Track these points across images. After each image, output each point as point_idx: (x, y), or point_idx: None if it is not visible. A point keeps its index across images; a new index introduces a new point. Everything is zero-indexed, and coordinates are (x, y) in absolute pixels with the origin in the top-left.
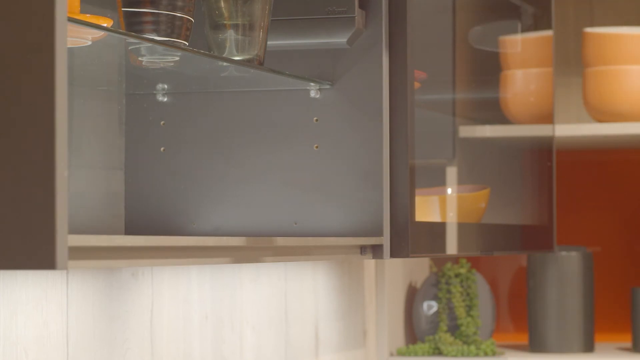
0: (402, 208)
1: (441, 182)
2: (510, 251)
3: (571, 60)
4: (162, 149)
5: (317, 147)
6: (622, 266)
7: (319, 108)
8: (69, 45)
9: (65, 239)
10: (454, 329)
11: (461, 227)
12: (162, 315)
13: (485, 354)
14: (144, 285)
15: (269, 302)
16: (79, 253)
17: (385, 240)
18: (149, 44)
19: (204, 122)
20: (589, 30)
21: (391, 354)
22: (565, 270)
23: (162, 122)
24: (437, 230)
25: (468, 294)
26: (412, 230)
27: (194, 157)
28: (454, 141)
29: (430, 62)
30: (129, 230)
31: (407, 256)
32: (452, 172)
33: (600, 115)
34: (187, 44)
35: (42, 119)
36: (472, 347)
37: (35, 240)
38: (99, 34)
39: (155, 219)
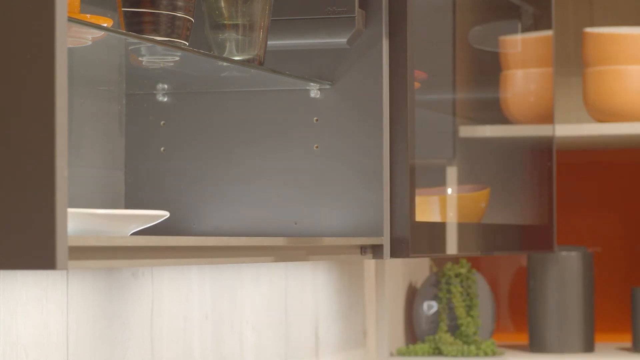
0: (402, 208)
1: (441, 182)
2: (510, 251)
3: (571, 60)
4: (162, 149)
5: (317, 147)
6: (622, 266)
7: (319, 108)
8: (69, 45)
9: (65, 239)
10: (454, 329)
11: (461, 227)
12: (162, 315)
13: (485, 354)
14: (144, 285)
15: (269, 302)
16: (79, 253)
17: (385, 240)
18: (149, 44)
19: (204, 122)
20: (589, 30)
21: (391, 354)
22: (565, 270)
23: (162, 122)
24: (437, 230)
25: (468, 294)
26: (412, 230)
27: (194, 157)
28: (454, 141)
29: (430, 62)
30: None
31: (407, 256)
32: (452, 172)
33: (600, 115)
34: (187, 44)
35: (42, 118)
36: (472, 347)
37: (35, 240)
38: (99, 34)
39: None
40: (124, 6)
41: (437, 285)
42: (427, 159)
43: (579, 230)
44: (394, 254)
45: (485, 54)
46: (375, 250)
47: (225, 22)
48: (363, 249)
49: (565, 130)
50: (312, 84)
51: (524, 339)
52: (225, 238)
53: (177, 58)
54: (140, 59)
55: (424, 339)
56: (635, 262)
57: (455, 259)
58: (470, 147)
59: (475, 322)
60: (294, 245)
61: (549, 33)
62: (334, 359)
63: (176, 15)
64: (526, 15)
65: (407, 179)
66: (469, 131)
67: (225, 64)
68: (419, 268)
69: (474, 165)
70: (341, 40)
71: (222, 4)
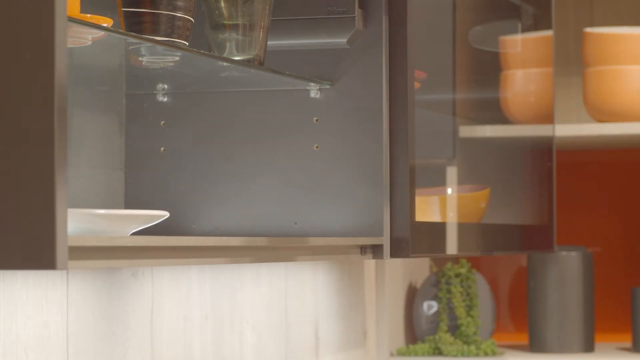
0: (402, 208)
1: (441, 182)
2: (510, 251)
3: (571, 60)
4: (162, 149)
5: (317, 147)
6: (622, 266)
7: (319, 108)
8: (69, 45)
9: (65, 239)
10: (454, 329)
11: (461, 227)
12: (162, 315)
13: (485, 354)
14: (144, 285)
15: (269, 302)
16: (79, 253)
17: (385, 240)
18: (149, 44)
19: (204, 122)
20: (589, 30)
21: (391, 354)
22: (565, 270)
23: (162, 122)
24: (437, 230)
25: (468, 294)
26: (412, 230)
27: (194, 157)
28: (454, 141)
29: (430, 62)
30: None
31: (407, 256)
32: (452, 172)
33: (600, 115)
34: (187, 44)
35: (42, 119)
36: (472, 347)
37: (35, 240)
38: (99, 34)
39: None
40: (124, 6)
41: (437, 285)
42: (427, 159)
43: (579, 230)
44: (394, 254)
45: (485, 54)
46: (375, 250)
47: (225, 22)
48: (363, 249)
49: (565, 130)
50: (312, 84)
51: (524, 339)
52: (225, 238)
53: (177, 58)
54: (140, 59)
55: (424, 339)
56: (635, 262)
57: (455, 259)
58: (470, 147)
59: (475, 322)
60: (294, 245)
61: (549, 33)
62: (334, 359)
63: (176, 15)
64: (526, 15)
65: (407, 179)
66: (469, 131)
67: (225, 64)
68: (419, 268)
69: (474, 165)
70: (341, 40)
71: (222, 4)
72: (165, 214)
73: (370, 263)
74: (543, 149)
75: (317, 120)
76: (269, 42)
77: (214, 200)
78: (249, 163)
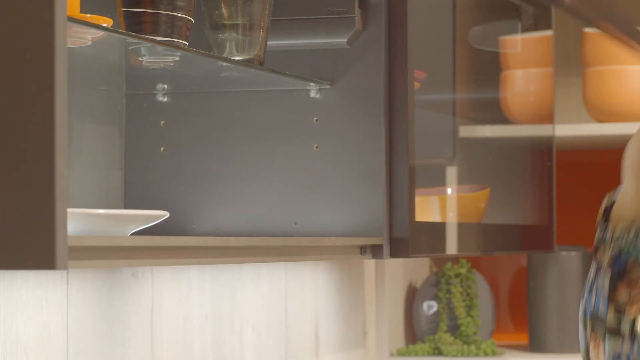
0: (402, 208)
1: (441, 182)
2: (510, 251)
3: (571, 60)
4: (162, 149)
5: (317, 147)
6: None
7: (319, 108)
8: (69, 45)
9: (65, 239)
10: (454, 329)
11: (461, 227)
12: (162, 315)
13: (485, 354)
14: (144, 285)
15: (269, 302)
16: (79, 253)
17: (385, 240)
18: (149, 44)
19: (204, 122)
20: (589, 30)
21: (391, 354)
22: (565, 270)
23: (162, 122)
24: (437, 230)
25: (468, 294)
26: (412, 230)
27: (194, 157)
28: (454, 141)
29: (430, 62)
30: None
31: (407, 256)
32: (452, 172)
33: (600, 115)
34: (187, 44)
35: (42, 119)
36: (472, 347)
37: (35, 240)
38: (99, 34)
39: None
40: (124, 6)
41: (437, 285)
42: (427, 159)
43: (579, 230)
44: (393, 254)
45: (485, 54)
46: (375, 250)
47: (225, 22)
48: (363, 249)
49: (565, 130)
50: (312, 84)
51: (524, 339)
52: (225, 238)
53: (177, 58)
54: (140, 59)
55: (424, 339)
56: None
57: (455, 259)
58: (470, 147)
59: (475, 322)
60: (294, 245)
61: (549, 33)
62: (334, 359)
63: (176, 15)
64: (526, 15)
65: (407, 179)
66: (469, 131)
67: (225, 64)
68: (419, 268)
69: (474, 165)
70: (341, 40)
71: (222, 4)
72: (165, 214)
73: (370, 263)
74: (543, 149)
75: (317, 120)
76: (269, 42)
77: (214, 200)
78: (249, 163)
